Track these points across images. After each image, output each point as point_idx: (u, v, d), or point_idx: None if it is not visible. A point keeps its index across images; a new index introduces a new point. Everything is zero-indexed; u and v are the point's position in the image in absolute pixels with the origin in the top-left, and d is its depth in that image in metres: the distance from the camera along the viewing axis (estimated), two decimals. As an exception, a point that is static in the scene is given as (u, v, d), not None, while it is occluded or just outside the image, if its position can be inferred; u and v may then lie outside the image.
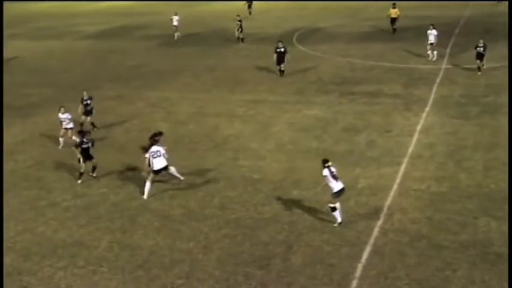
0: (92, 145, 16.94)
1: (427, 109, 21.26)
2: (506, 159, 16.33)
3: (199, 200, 15.36)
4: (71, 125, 19.47)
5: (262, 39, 36.42)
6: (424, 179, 15.64)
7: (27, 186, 16.79)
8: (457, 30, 35.02)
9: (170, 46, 36.50)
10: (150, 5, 58.75)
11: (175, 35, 38.82)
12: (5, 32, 41.05)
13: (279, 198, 15.14)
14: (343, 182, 13.53)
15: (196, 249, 13.03)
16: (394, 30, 34.41)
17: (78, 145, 16.85)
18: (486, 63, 25.51)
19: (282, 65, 26.90)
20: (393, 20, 34.34)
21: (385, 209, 14.17)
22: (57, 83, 28.77)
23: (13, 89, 27.79)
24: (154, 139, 15.97)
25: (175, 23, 38.65)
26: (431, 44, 28.13)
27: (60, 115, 19.49)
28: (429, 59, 28.16)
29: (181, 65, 30.90)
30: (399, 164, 16.73)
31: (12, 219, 14.87)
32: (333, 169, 13.43)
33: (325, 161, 13.54)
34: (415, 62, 28.39)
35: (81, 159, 16.71)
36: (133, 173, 17.25)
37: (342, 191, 13.52)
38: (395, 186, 15.34)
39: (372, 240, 12.86)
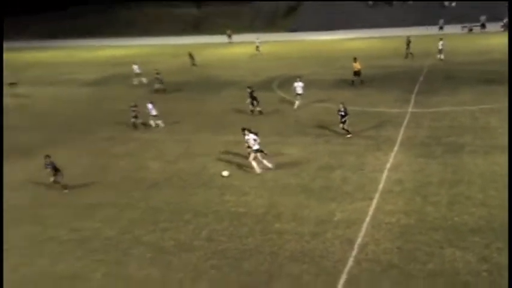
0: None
1: (395, 149, 21.66)
2: (470, 194, 16.68)
3: (189, 232, 15.43)
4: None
5: (243, 86, 37.01)
6: (394, 213, 15.88)
7: (27, 222, 16.70)
8: (421, 78, 35.89)
9: (159, 92, 36.79)
10: (144, 54, 59.34)
11: (138, 80, 40.46)
12: (6, 80, 40.98)
13: (261, 231, 15.25)
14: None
15: (186, 279, 13.06)
16: (361, 81, 34.83)
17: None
18: (448, 107, 26.15)
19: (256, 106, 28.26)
20: (356, 73, 34.88)
21: (359, 240, 14.35)
22: (53, 126, 28.78)
23: (15, 131, 27.77)
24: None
25: (137, 70, 40.88)
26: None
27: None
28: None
29: (169, 109, 31.14)
30: (371, 198, 16.98)
31: (12, 252, 14.76)
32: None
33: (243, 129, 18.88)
34: (383, 106, 28.99)
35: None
36: (125, 209, 17.26)
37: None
38: (368, 219, 15.55)
39: (347, 269, 13.00)
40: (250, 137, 19.95)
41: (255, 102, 28.50)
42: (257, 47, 53.78)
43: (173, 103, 33.01)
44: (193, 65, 47.21)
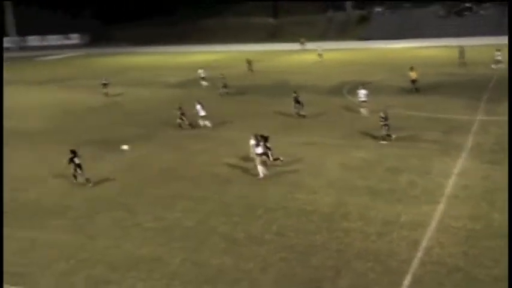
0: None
1: (463, 155, 20.69)
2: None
3: (259, 226, 15.41)
4: None
5: (313, 91, 36.73)
6: (460, 217, 15.13)
7: (115, 209, 17.30)
8: (490, 85, 34.15)
9: (237, 95, 37.17)
10: (223, 59, 60.29)
11: (203, 83, 41.16)
12: (100, 81, 42.77)
13: (328, 229, 14.98)
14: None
15: (255, 269, 13.02)
16: (416, 89, 33.59)
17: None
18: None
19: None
20: (413, 81, 33.69)
21: (424, 243, 13.78)
22: (140, 122, 29.67)
23: (108, 127, 28.95)
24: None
25: (202, 75, 41.49)
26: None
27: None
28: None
29: (245, 111, 31.42)
30: (437, 202, 16.28)
31: (101, 236, 15.33)
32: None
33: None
34: (451, 112, 27.79)
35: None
36: (202, 202, 17.50)
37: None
38: (433, 223, 14.91)
39: (412, 270, 12.50)
40: (252, 142, 19.60)
41: (299, 105, 28.46)
42: (319, 54, 54.13)
43: (249, 105, 33.19)
44: (250, 70, 47.57)
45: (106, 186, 19.54)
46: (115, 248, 14.54)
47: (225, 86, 37.30)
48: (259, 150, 19.28)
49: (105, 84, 39.41)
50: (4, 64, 65.00)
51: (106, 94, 38.70)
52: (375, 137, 23.64)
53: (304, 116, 28.42)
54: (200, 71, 42.26)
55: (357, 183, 18.47)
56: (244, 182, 19.27)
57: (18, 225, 16.25)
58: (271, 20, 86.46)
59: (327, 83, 39.75)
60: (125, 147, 20.72)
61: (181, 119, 27.58)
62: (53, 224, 16.33)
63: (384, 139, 22.95)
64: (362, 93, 28.15)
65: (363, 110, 28.01)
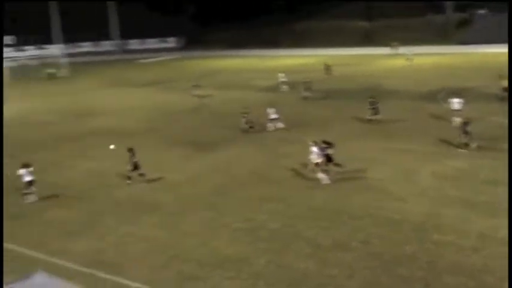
0: None
1: None
2: None
3: (345, 233, 15.28)
4: None
5: (406, 97, 35.66)
6: None
7: (204, 208, 17.91)
8: None
9: (327, 99, 36.99)
10: (313, 63, 60.23)
11: (284, 87, 41.43)
12: (201, 83, 44.26)
13: (419, 239, 14.53)
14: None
15: (340, 276, 12.95)
16: (503, 98, 31.38)
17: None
18: None
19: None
20: (505, 89, 31.54)
21: (523, 260, 12.94)
22: (230, 124, 30.34)
23: (198, 128, 29.98)
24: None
25: (283, 79, 41.90)
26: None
27: None
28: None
29: (332, 115, 31.22)
30: (540, 218, 15.20)
31: (191, 234, 15.94)
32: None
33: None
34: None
35: None
36: (288, 205, 17.63)
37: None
38: (535, 239, 13.95)
39: (509, 288, 11.81)
40: (314, 150, 19.32)
41: (374, 110, 28.38)
42: (408, 59, 52.81)
43: (337, 109, 32.87)
44: (328, 74, 47.28)
45: (197, 186, 20.26)
46: (203, 246, 15.06)
47: (308, 90, 37.45)
48: (319, 158, 19.24)
49: (195, 86, 40.94)
50: (107, 66, 69.40)
51: (197, 96, 40.09)
52: (463, 146, 22.53)
53: (379, 121, 28.05)
54: (281, 75, 42.77)
55: (449, 193, 17.74)
56: (330, 187, 19.16)
57: (117, 220, 17.31)
58: (364, 24, 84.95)
59: (420, 89, 38.43)
60: (112, 146, 22.07)
61: (247, 122, 28.32)
62: (147, 220, 17.23)
63: (462, 147, 21.93)
64: (456, 101, 26.93)
65: (456, 119, 26.64)
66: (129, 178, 20.72)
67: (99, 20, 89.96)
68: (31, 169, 19.30)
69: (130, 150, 20.70)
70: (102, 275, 13.59)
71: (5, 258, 14.75)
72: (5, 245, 15.55)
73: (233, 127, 29.50)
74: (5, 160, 23.72)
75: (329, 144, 19.73)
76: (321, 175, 19.36)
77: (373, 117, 28.43)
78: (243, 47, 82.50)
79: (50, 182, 21.41)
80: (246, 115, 28.52)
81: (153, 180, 20.85)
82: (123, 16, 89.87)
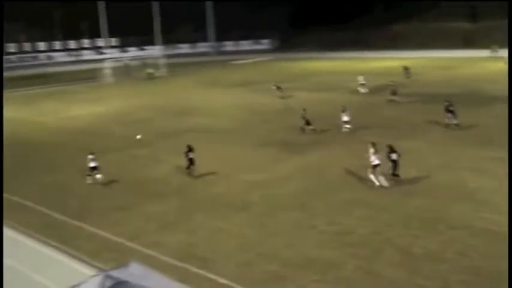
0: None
1: None
2: None
3: (440, 243, 14.63)
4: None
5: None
6: None
7: (293, 209, 17.94)
8: None
9: (422, 103, 35.65)
10: (413, 65, 58.41)
11: (363, 89, 41.82)
12: (293, 85, 44.26)
13: (521, 255, 13.55)
14: None
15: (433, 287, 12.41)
16: None
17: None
18: None
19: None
20: None
21: None
22: (319, 127, 30.05)
23: (286, 129, 30.06)
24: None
25: (362, 82, 42.32)
26: None
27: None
28: None
29: (421, 120, 30.05)
30: None
31: (279, 233, 16.04)
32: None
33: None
34: None
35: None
36: (380, 210, 17.20)
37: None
38: None
39: None
40: (371, 152, 19.42)
41: (451, 115, 27.54)
42: (506, 62, 49.45)
43: (434, 115, 31.51)
44: (407, 77, 45.62)
45: (285, 187, 20.34)
46: (290, 246, 15.09)
47: (394, 93, 36.79)
48: (376, 161, 19.36)
49: (278, 88, 41.58)
50: (202, 67, 71.62)
51: (279, 97, 40.44)
52: None
53: (457, 126, 27.26)
54: (360, 77, 42.71)
55: (559, 208, 16.37)
56: (426, 194, 18.46)
57: (209, 216, 17.83)
58: (467, 25, 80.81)
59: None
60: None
61: (307, 124, 28.79)
62: (237, 217, 17.58)
63: None
64: None
65: None
66: (187, 169, 22.13)
67: (197, 21, 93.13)
68: (93, 156, 21.97)
69: (188, 146, 21.92)
70: (192, 269, 14.04)
71: (103, 246, 15.75)
72: (105, 234, 16.61)
73: (323, 129, 29.33)
74: (110, 155, 25.38)
75: (394, 151, 19.66)
76: (373, 177, 19.43)
77: (452, 122, 27.60)
78: (336, 49, 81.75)
79: (146, 176, 22.55)
80: (304, 114, 29.05)
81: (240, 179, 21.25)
82: (219, 18, 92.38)
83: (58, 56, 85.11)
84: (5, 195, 20.93)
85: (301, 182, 20.73)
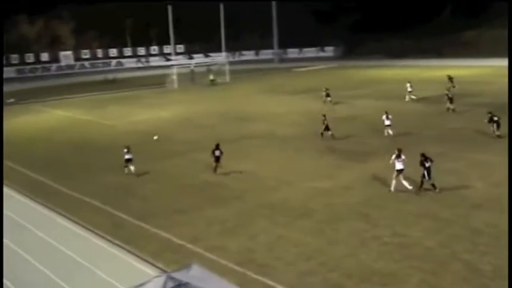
0: None
1: None
2: None
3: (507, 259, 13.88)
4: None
5: None
6: None
7: (355, 219, 17.62)
8: None
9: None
10: (477, 75, 56.19)
11: (409, 97, 42.16)
12: (355, 92, 43.66)
13: None
14: None
15: (503, 307, 11.80)
16: None
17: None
18: None
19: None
20: None
21: None
22: (383, 135, 29.43)
23: (349, 138, 29.60)
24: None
25: (409, 89, 42.57)
26: None
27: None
28: None
29: (477, 131, 28.80)
30: None
31: (340, 242, 15.79)
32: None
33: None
34: None
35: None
36: (446, 223, 16.57)
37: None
38: None
39: None
40: (394, 157, 19.81)
41: (495, 125, 27.29)
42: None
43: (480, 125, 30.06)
44: (452, 87, 43.59)
45: (348, 195, 20.03)
46: (352, 256, 14.82)
47: (450, 101, 36.18)
48: (400, 166, 19.65)
49: (327, 95, 42.41)
50: (265, 74, 72.02)
51: (330, 102, 40.84)
52: None
53: (499, 136, 26.80)
54: (408, 84, 42.79)
55: None
56: (494, 208, 17.65)
57: (269, 222, 17.83)
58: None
59: None
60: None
61: (326, 129, 29.47)
62: (298, 224, 17.47)
63: None
64: None
65: None
66: (214, 170, 23.47)
67: (262, 28, 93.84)
68: (128, 150, 24.26)
69: (217, 145, 23.40)
70: (252, 274, 14.07)
71: (166, 248, 16.08)
72: (168, 235, 16.97)
73: (384, 137, 28.72)
74: (173, 159, 26.02)
75: (426, 158, 19.49)
76: (400, 182, 19.67)
77: (496, 133, 27.18)
78: (402, 56, 79.93)
79: (206, 180, 22.88)
80: (324, 120, 29.69)
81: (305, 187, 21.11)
82: (283, 25, 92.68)
83: (127, 62, 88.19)
84: (76, 194, 21.94)
85: (363, 191, 20.36)
